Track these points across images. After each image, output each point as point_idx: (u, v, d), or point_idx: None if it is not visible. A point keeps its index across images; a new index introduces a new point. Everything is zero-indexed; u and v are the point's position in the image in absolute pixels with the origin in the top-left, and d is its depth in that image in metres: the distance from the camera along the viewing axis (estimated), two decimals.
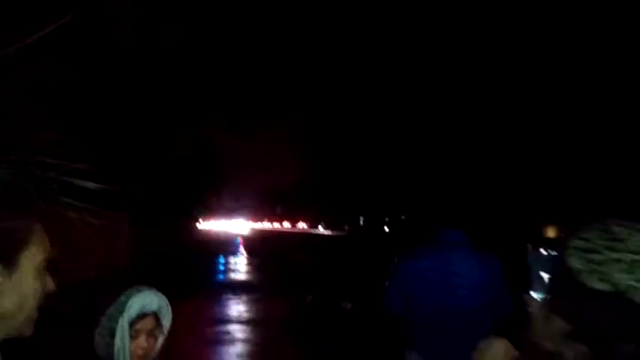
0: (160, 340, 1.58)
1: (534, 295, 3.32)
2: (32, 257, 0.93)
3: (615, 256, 0.78)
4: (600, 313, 0.77)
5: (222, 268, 18.78)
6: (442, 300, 2.69)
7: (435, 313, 2.70)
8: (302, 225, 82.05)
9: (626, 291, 0.76)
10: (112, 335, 1.46)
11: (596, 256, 0.79)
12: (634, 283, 0.76)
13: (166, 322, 1.59)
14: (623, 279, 0.76)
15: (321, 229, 70.57)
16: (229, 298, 11.36)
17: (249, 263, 20.85)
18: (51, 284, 0.97)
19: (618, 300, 0.76)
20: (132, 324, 1.49)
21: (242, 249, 28.92)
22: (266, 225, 77.29)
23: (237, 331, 8.13)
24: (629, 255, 0.77)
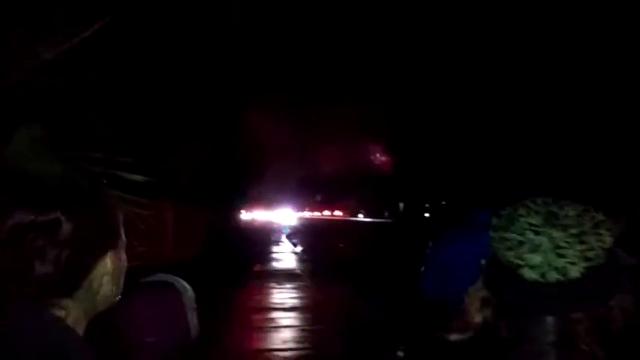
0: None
1: None
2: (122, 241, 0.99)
3: (505, 235, 0.89)
4: (503, 284, 0.90)
5: (265, 257, 19.07)
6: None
7: None
8: (341, 213, 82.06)
9: (515, 268, 0.86)
10: None
11: (497, 234, 0.91)
12: (518, 261, 0.86)
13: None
14: (510, 256, 0.87)
15: (361, 217, 70.42)
16: (273, 287, 11.55)
17: (293, 252, 21.09)
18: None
19: (513, 275, 0.87)
20: None
21: (285, 238, 29.22)
22: (307, 214, 77.74)
23: (282, 318, 8.29)
24: (514, 235, 0.88)
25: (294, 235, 29.42)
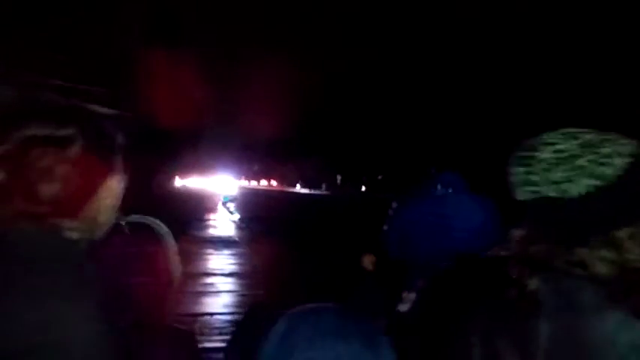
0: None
1: None
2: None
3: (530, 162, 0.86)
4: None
5: (201, 224, 18.74)
6: (439, 243, 2.73)
7: (432, 257, 2.74)
8: (278, 183, 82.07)
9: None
10: None
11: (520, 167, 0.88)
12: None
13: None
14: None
15: (298, 188, 70.72)
16: (211, 253, 11.39)
17: (230, 220, 20.88)
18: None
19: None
20: None
21: (222, 205, 28.87)
22: (245, 183, 77.13)
23: (221, 283, 8.21)
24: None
25: (232, 203, 29.09)
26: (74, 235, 0.86)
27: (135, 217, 1.40)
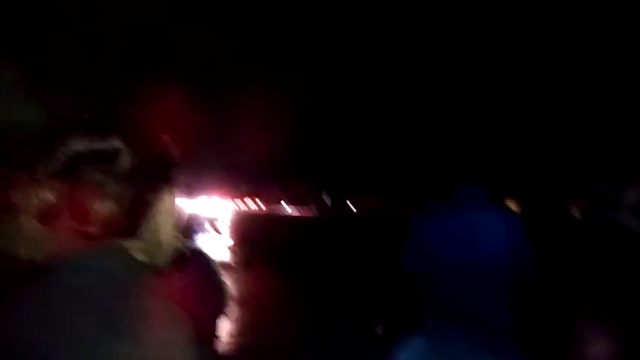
0: None
1: None
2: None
3: None
4: None
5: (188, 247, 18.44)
6: (463, 259, 2.62)
7: (455, 273, 2.63)
8: (266, 204, 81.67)
9: None
10: None
11: None
12: None
13: None
14: None
15: (286, 208, 70.43)
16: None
17: (222, 243, 20.63)
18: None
19: None
20: None
21: (211, 228, 28.53)
22: (234, 204, 76.69)
23: None
24: None
25: (222, 225, 28.77)
26: (140, 257, 0.80)
27: (188, 243, 1.33)
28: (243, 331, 6.71)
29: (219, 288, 1.28)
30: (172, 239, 0.87)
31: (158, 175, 0.84)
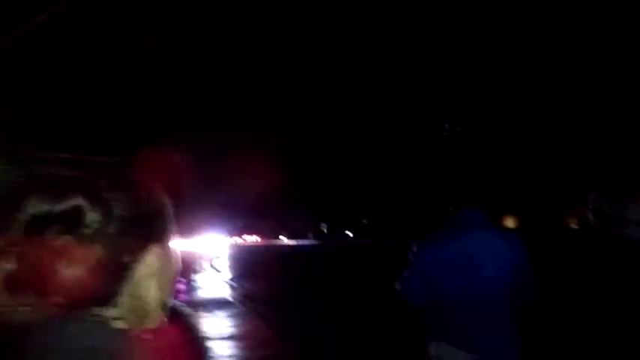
0: None
1: None
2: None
3: None
4: None
5: (187, 286, 18.18)
6: (468, 284, 2.56)
7: (461, 299, 2.57)
8: (262, 237, 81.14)
9: None
10: None
11: None
12: None
13: None
14: None
15: (285, 240, 69.95)
16: (205, 316, 10.95)
17: (221, 280, 20.37)
18: None
19: None
20: None
21: (209, 266, 28.25)
22: (231, 240, 76.14)
23: (221, 347, 7.81)
24: None
25: (220, 262, 28.49)
26: (120, 325, 0.72)
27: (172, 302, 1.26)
28: None
29: (201, 350, 1.21)
30: (156, 301, 0.79)
31: (136, 232, 0.75)
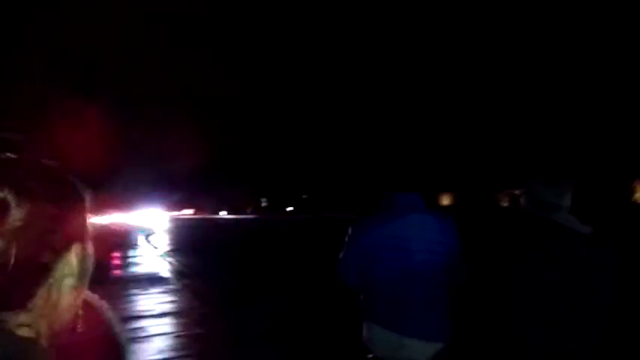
0: None
1: None
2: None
3: None
4: None
5: (121, 262, 17.62)
6: (400, 267, 2.56)
7: (392, 282, 2.57)
8: (200, 211, 79.91)
9: None
10: None
11: None
12: None
13: None
14: None
15: (224, 214, 69.30)
16: (137, 293, 10.64)
17: (156, 255, 19.88)
18: None
19: None
20: None
21: (144, 240, 27.53)
22: (167, 214, 74.53)
23: (153, 325, 7.62)
24: None
25: (157, 237, 27.83)
26: (26, 333, 0.65)
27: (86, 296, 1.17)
28: (181, 345, 6.42)
29: (117, 347, 1.11)
30: (71, 303, 0.72)
31: (59, 229, 0.67)
